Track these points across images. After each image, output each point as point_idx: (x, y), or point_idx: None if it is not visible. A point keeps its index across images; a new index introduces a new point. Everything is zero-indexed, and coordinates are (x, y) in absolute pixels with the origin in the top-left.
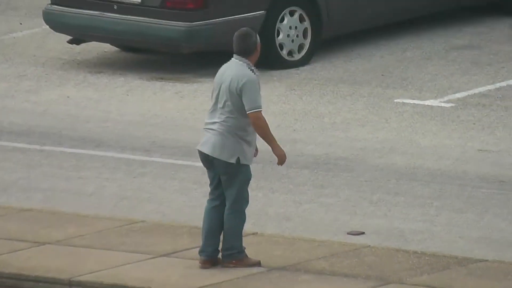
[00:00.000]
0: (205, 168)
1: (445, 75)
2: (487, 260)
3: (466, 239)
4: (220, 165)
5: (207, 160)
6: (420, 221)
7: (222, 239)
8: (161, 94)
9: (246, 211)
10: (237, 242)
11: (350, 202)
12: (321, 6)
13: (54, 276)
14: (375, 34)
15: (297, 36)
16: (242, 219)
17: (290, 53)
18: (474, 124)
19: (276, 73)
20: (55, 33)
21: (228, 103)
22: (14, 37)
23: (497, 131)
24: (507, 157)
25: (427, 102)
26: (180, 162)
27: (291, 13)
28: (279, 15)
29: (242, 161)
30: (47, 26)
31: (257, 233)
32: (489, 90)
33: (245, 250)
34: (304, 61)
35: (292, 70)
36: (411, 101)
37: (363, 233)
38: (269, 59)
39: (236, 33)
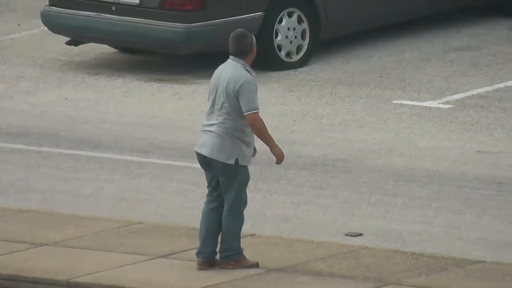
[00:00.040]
0: (203, 170)
1: (443, 76)
2: (485, 262)
3: (464, 240)
4: (219, 167)
5: (205, 162)
6: (418, 222)
7: (220, 240)
8: (159, 95)
9: (244, 212)
10: (235, 244)
11: (348, 203)
12: (320, 8)
13: (52, 277)
14: (373, 35)
15: (296, 37)
16: (240, 220)
17: (288, 54)
18: (472, 125)
19: (274, 74)
20: (53, 34)
21: (226, 104)
22: (12, 38)
23: (495, 132)
24: (505, 158)
25: (425, 104)
26: (178, 163)
27: (290, 15)
28: (278, 16)
29: (241, 162)
30: (45, 28)
31: (255, 234)
32: (488, 92)
33: (243, 252)
34: (302, 63)
35: (291, 72)
36: (409, 103)
37: (361, 234)
38: (268, 60)
39: (231, 34)
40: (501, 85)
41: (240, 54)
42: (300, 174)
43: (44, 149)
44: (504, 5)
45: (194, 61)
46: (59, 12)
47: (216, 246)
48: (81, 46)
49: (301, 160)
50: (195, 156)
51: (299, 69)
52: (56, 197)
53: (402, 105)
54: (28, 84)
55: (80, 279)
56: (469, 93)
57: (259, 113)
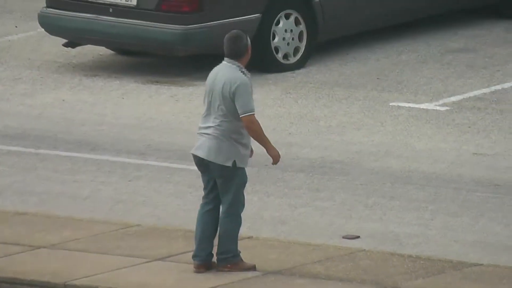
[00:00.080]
0: (199, 172)
1: (440, 78)
2: (482, 264)
3: (461, 243)
4: (216, 169)
5: (202, 164)
6: (415, 225)
7: (217, 242)
8: (156, 97)
9: (241, 214)
10: (232, 246)
11: (346, 205)
12: (317, 10)
13: (49, 280)
14: (370, 37)
15: (293, 39)
16: (238, 222)
17: (285, 56)
18: (469, 127)
19: (272, 77)
20: (51, 36)
21: (222, 107)
22: (9, 40)
23: (492, 134)
24: (502, 160)
25: (422, 106)
26: (175, 165)
27: (287, 16)
28: (275, 18)
29: (238, 164)
30: (43, 29)
31: (252, 237)
32: (484, 94)
33: (240, 254)
34: (299, 65)
35: (288, 74)
36: (406, 105)
37: (358, 237)
38: (265, 62)
39: (226, 36)
40: (498, 87)
41: (235, 55)
42: (297, 176)
43: (41, 151)
44: (501, 7)
45: (191, 63)
46: (56, 14)
47: (212, 248)
48: (78, 48)
49: (298, 162)
50: (192, 158)
51: (296, 71)
52: (53, 200)
53: (399, 107)
54: (25, 86)
55: (77, 282)
56: (466, 95)
57: (255, 115)
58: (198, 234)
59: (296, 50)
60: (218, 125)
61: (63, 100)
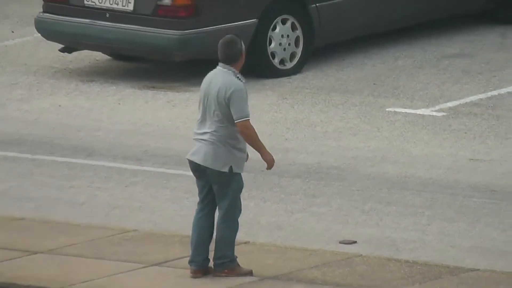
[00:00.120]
0: (195, 177)
1: (436, 84)
2: (478, 269)
3: (458, 248)
4: (213, 175)
5: (199, 170)
6: (411, 230)
7: (214, 248)
8: (152, 103)
9: (238, 220)
10: (229, 251)
11: (342, 211)
12: (313, 15)
13: (45, 285)
14: (366, 43)
15: (289, 44)
16: (235, 228)
17: (282, 61)
18: (465, 133)
19: (268, 82)
20: (47, 41)
21: (217, 112)
22: (5, 45)
23: (488, 140)
24: (498, 166)
25: (419, 111)
26: (171, 171)
27: (283, 22)
28: (271, 23)
29: (235, 170)
30: (39, 34)
31: (249, 242)
32: (481, 99)
33: (237, 259)
34: (296, 70)
35: (284, 79)
36: (403, 110)
37: (355, 242)
38: (261, 68)
39: (220, 41)
40: (494, 92)
41: (230, 60)
42: (294, 182)
43: (38, 156)
44: (497, 13)
45: (188, 68)
46: (53, 19)
47: (208, 253)
48: (75, 53)
49: (295, 168)
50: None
51: (293, 77)
52: (50, 205)
53: (395, 112)
54: (22, 91)
55: (74, 287)
56: (462, 101)
57: (250, 120)
58: (194, 239)
59: (292, 56)
60: (214, 131)
61: (60, 106)
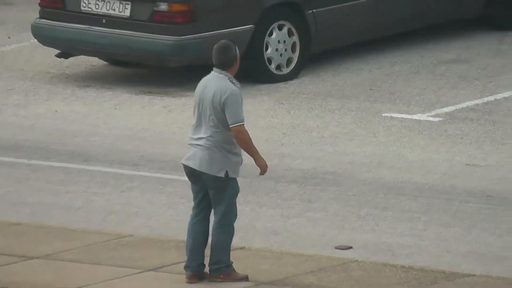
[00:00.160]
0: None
1: (433, 89)
2: (474, 275)
3: (454, 253)
4: (209, 180)
5: (194, 174)
6: (408, 235)
7: (210, 253)
8: (149, 108)
9: (234, 225)
10: (225, 256)
11: (338, 216)
12: (310, 21)
13: None
14: (363, 48)
15: (286, 50)
16: (230, 233)
17: (278, 67)
18: (461, 138)
19: (265, 87)
20: (44, 47)
21: (213, 117)
22: (2, 51)
23: (484, 145)
24: (494, 171)
25: (415, 116)
26: (168, 176)
27: (280, 27)
28: (268, 29)
29: (231, 175)
30: (36, 40)
31: (244, 247)
32: (477, 105)
33: (233, 265)
34: (292, 75)
35: (281, 84)
36: (399, 115)
37: (351, 247)
38: (257, 73)
39: (215, 46)
40: (491, 98)
41: (224, 65)
42: (290, 187)
43: (34, 162)
44: (494, 18)
45: (184, 73)
46: (50, 25)
47: (204, 258)
48: (71, 59)
49: (291, 173)
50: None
51: (289, 82)
52: (46, 210)
53: (391, 118)
54: (18, 97)
55: None
56: (458, 106)
57: (245, 125)
58: (189, 244)
59: (289, 61)
60: (210, 136)
61: (56, 111)
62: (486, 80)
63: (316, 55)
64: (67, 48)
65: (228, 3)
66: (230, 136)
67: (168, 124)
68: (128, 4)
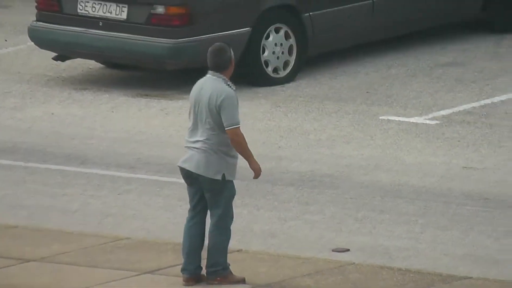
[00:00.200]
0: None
1: (430, 92)
2: (471, 278)
3: (451, 256)
4: (206, 182)
5: (191, 177)
6: (405, 238)
7: (207, 255)
8: (146, 111)
9: (231, 227)
10: (222, 259)
11: (335, 219)
12: (307, 24)
13: None
14: (360, 51)
15: (283, 53)
16: (227, 235)
17: (275, 70)
18: (458, 141)
19: (261, 90)
20: (40, 49)
21: (209, 120)
22: None
23: (481, 148)
24: (491, 174)
25: (412, 119)
26: (165, 179)
27: (277, 30)
28: (265, 32)
29: (227, 177)
30: (32, 43)
31: (241, 250)
32: (474, 108)
33: (230, 267)
34: (289, 78)
35: (277, 87)
36: (396, 118)
37: (348, 250)
38: (254, 76)
39: (210, 49)
40: (488, 101)
41: (219, 68)
42: (287, 189)
43: (31, 164)
44: (492, 22)
45: (181, 76)
46: (46, 28)
47: (200, 261)
48: (68, 62)
49: (288, 176)
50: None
51: (286, 85)
52: (43, 213)
53: (388, 121)
54: (15, 99)
55: None
56: (455, 109)
57: (240, 128)
58: (186, 247)
59: (286, 64)
60: (207, 139)
61: (53, 114)
62: (483, 83)
63: (313, 58)
64: (64, 51)
65: (225, 6)
66: (226, 139)
67: (165, 127)
68: (125, 7)
